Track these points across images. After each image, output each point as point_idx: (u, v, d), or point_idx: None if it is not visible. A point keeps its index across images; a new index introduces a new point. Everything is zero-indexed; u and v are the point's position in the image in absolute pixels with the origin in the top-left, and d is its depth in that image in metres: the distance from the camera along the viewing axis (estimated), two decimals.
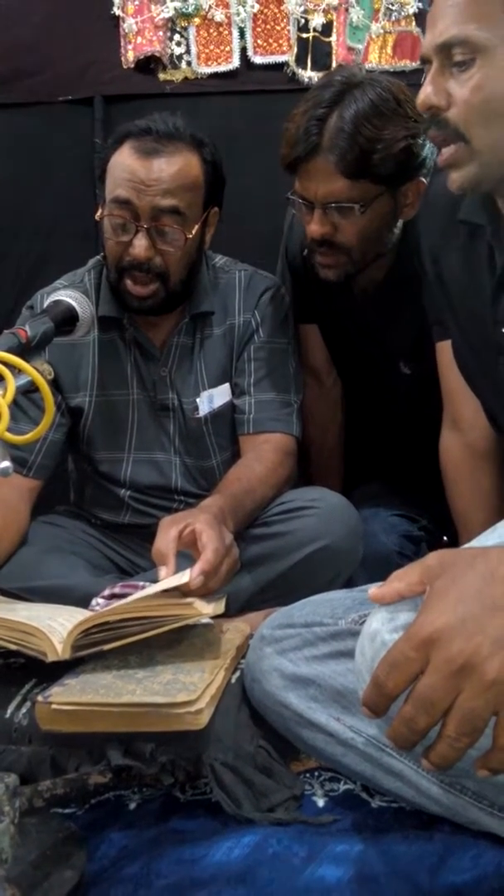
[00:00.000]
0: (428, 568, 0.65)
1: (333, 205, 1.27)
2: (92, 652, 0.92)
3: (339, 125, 1.23)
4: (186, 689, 0.85)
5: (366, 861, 0.76)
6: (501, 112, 0.91)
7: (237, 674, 0.98)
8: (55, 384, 1.36)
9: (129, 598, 0.99)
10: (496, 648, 0.57)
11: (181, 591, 1.01)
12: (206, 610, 0.96)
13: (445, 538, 1.51)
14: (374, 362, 1.51)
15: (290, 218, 1.53)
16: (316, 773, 0.90)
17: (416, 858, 0.76)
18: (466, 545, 0.78)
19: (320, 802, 0.86)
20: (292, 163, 1.28)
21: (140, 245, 1.26)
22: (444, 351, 1.25)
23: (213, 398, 1.41)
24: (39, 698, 0.86)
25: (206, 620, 1.00)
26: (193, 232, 1.30)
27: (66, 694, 0.86)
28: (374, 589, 0.69)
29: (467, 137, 0.93)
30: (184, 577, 1.01)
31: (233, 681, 0.96)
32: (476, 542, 0.77)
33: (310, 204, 1.30)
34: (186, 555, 1.08)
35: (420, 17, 1.81)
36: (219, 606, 1.01)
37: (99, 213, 1.32)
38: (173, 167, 1.26)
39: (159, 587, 1.00)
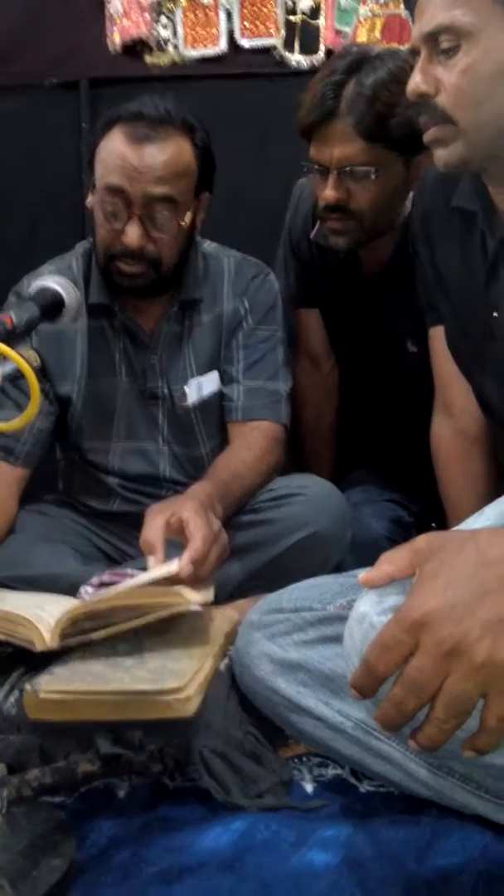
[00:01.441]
0: (417, 550, 0.65)
1: (348, 169, 1.29)
2: (80, 641, 0.92)
3: (357, 90, 1.26)
4: (175, 676, 0.84)
5: (354, 845, 0.76)
6: (487, 94, 0.93)
7: (226, 661, 0.98)
8: (43, 372, 1.35)
9: (118, 587, 0.99)
10: (485, 631, 0.57)
11: (170, 580, 1.01)
12: (195, 598, 0.95)
13: (434, 525, 1.51)
14: (380, 344, 1.51)
15: (295, 202, 1.53)
16: (304, 759, 0.91)
17: (404, 842, 0.77)
18: (455, 528, 0.78)
19: (309, 788, 0.87)
20: (308, 127, 1.30)
21: (133, 233, 1.25)
22: (437, 336, 1.25)
23: (201, 386, 1.40)
24: (27, 687, 0.85)
25: (195, 608, 1.00)
26: (186, 219, 1.29)
27: (54, 682, 0.85)
28: (363, 574, 0.69)
29: (454, 120, 0.95)
30: (172, 566, 1.00)
31: (222, 668, 0.96)
32: (463, 526, 0.77)
33: (325, 169, 1.31)
34: (175, 543, 1.08)
35: (408, 0, 1.80)
36: (207, 595, 1.01)
37: (89, 200, 1.30)
38: (166, 154, 1.24)
39: (148, 577, 1.00)
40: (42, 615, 0.96)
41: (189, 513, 1.08)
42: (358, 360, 1.58)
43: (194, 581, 1.02)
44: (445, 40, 0.92)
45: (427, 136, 0.99)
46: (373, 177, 1.29)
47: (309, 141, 1.32)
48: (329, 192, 1.31)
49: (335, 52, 1.34)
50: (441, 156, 0.98)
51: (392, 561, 0.67)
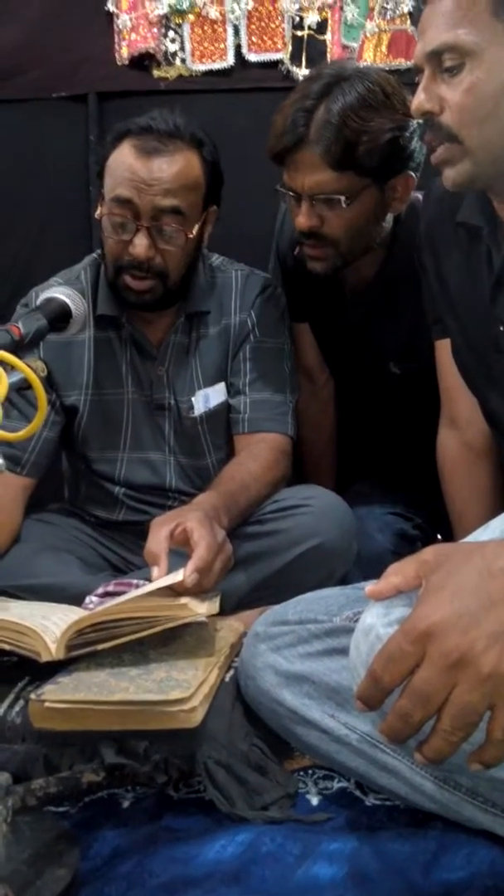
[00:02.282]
0: (424, 562, 0.65)
1: (320, 196, 1.28)
2: (86, 652, 0.92)
3: (325, 117, 1.23)
4: (180, 687, 0.84)
5: (360, 859, 0.76)
6: (492, 112, 0.94)
7: (231, 672, 0.97)
8: (50, 382, 1.36)
9: (123, 598, 0.99)
10: (492, 642, 0.57)
11: (175, 590, 1.01)
12: (200, 610, 0.95)
13: (440, 536, 1.51)
14: (364, 361, 1.51)
15: (281, 217, 1.53)
16: (310, 772, 0.90)
17: (410, 856, 0.76)
18: (458, 542, 0.78)
19: (314, 800, 0.86)
20: (279, 154, 1.28)
21: (141, 244, 1.26)
22: (443, 349, 1.25)
23: (208, 397, 1.40)
24: (32, 696, 0.85)
25: (200, 619, 1.00)
26: (194, 231, 1.30)
27: (59, 692, 0.85)
28: (370, 586, 0.69)
29: (460, 138, 0.95)
30: (177, 577, 1.00)
31: (227, 679, 0.96)
32: (470, 539, 0.77)
33: (297, 195, 1.30)
34: (181, 553, 1.08)
35: (414, 16, 1.81)
36: (213, 606, 1.01)
37: (98, 212, 1.31)
38: (175, 167, 1.25)
39: (153, 587, 1.00)
40: (47, 625, 0.96)
41: (193, 523, 1.08)
42: (348, 375, 1.59)
43: (200, 591, 1.02)
44: (449, 59, 0.93)
45: (434, 158, 0.99)
46: (344, 204, 1.27)
47: (280, 165, 1.31)
48: (301, 219, 1.30)
49: (309, 73, 1.32)
50: (449, 176, 0.99)
51: (399, 573, 0.67)
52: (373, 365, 1.49)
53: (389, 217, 1.37)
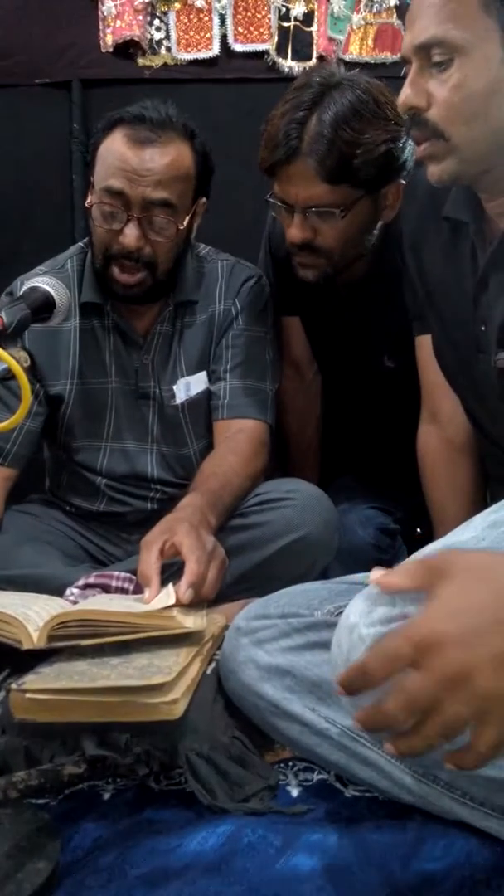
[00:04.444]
0: (434, 568, 0.64)
1: (313, 209, 1.26)
2: (68, 645, 0.91)
3: (318, 129, 1.22)
4: (161, 672, 0.84)
5: (339, 850, 0.77)
6: (480, 110, 0.93)
7: (213, 665, 0.98)
8: (34, 372, 1.35)
9: (112, 604, 0.97)
10: (494, 663, 0.57)
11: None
12: (187, 623, 0.95)
13: (419, 530, 1.52)
14: (357, 356, 1.51)
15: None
16: (290, 764, 0.91)
17: (389, 847, 0.77)
18: (442, 539, 0.78)
19: (294, 792, 0.87)
20: (271, 167, 1.26)
21: (131, 234, 1.25)
22: (424, 345, 1.25)
23: (189, 386, 1.40)
24: (13, 686, 0.85)
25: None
26: (184, 223, 1.29)
27: (40, 681, 0.85)
28: (377, 573, 0.68)
29: (446, 135, 0.95)
30: (171, 598, 1.00)
31: (208, 672, 0.96)
32: (451, 537, 0.77)
33: (290, 207, 1.28)
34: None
35: (401, 10, 1.81)
36: (199, 621, 0.99)
37: (89, 200, 1.30)
38: (166, 158, 1.25)
39: (146, 609, 0.99)
40: (29, 615, 0.96)
41: (181, 537, 1.08)
42: (338, 369, 1.59)
43: (199, 601, 1.04)
44: (438, 53, 0.91)
45: (419, 153, 0.98)
46: (338, 217, 1.26)
47: (271, 177, 1.29)
48: (294, 232, 1.29)
49: (296, 79, 1.30)
50: (434, 172, 0.98)
51: (409, 575, 0.66)
52: (366, 359, 1.49)
53: (380, 223, 1.37)
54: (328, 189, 1.24)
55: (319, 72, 1.28)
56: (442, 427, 1.28)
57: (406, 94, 0.95)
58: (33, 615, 0.96)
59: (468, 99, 0.92)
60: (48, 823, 0.78)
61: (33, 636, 0.91)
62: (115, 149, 1.25)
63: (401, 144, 1.27)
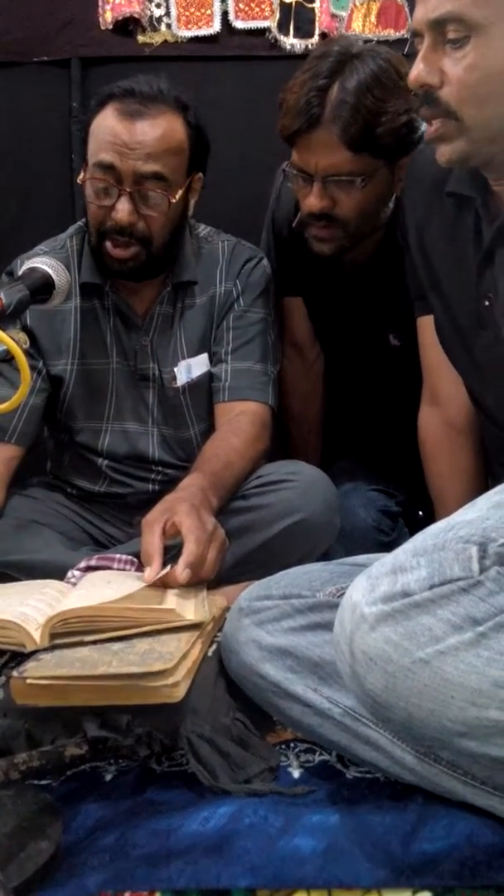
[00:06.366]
0: None
1: (334, 178, 1.26)
2: (71, 642, 0.91)
3: (341, 97, 1.21)
4: (162, 659, 0.84)
5: (340, 831, 0.77)
6: (495, 91, 0.90)
7: (214, 646, 0.98)
8: (37, 349, 1.34)
9: (115, 597, 0.96)
10: None
11: (170, 584, 1.01)
12: (188, 615, 0.94)
13: (421, 513, 1.52)
14: (362, 335, 1.50)
15: (278, 189, 1.51)
16: (292, 745, 0.91)
17: (390, 828, 0.77)
18: (445, 520, 0.78)
19: (296, 773, 0.87)
20: (292, 135, 1.25)
21: (123, 209, 1.24)
22: (426, 326, 1.24)
23: (190, 368, 1.39)
24: (14, 673, 0.85)
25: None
26: (177, 197, 1.27)
27: (41, 668, 0.85)
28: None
29: (459, 116, 0.92)
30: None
31: (210, 653, 0.96)
32: (455, 517, 0.77)
33: (308, 177, 1.28)
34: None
35: None
36: (201, 611, 0.98)
37: (81, 177, 1.29)
38: (157, 130, 1.23)
39: (145, 606, 0.98)
40: (27, 612, 0.95)
41: (181, 517, 1.08)
42: (342, 350, 1.58)
43: (199, 581, 1.04)
44: (453, 30, 0.88)
45: (429, 133, 0.96)
46: (359, 186, 1.26)
47: (291, 146, 1.28)
48: (313, 201, 1.28)
49: (314, 50, 1.28)
50: (444, 152, 0.96)
51: None
52: (371, 338, 1.48)
53: (394, 196, 1.36)
54: (350, 157, 1.24)
55: (338, 41, 1.28)
56: (443, 408, 1.27)
57: (418, 70, 0.92)
58: (31, 611, 0.95)
59: (484, 80, 0.89)
60: (50, 804, 0.79)
61: (35, 636, 0.90)
62: (106, 124, 1.24)
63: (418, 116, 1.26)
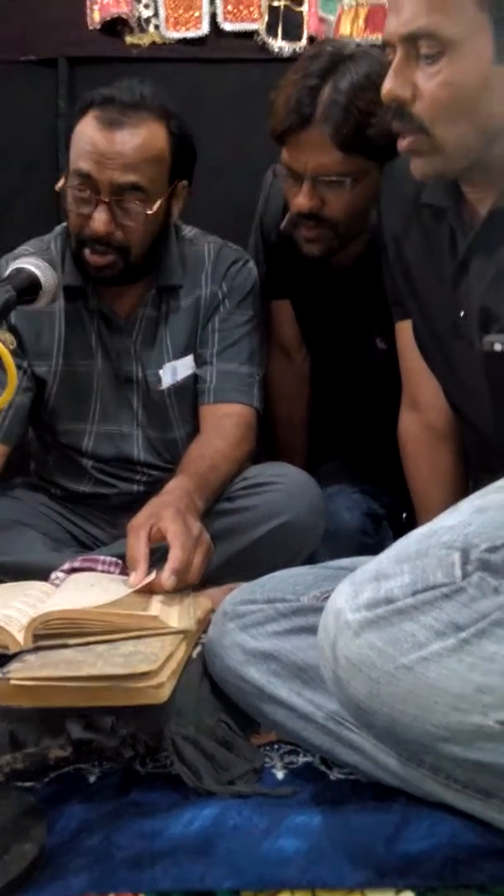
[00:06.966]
0: None
1: (324, 178, 1.26)
2: (55, 644, 0.91)
3: (333, 97, 1.22)
4: (147, 660, 0.84)
5: (324, 832, 0.78)
6: (467, 108, 0.89)
7: (199, 649, 0.98)
8: (21, 349, 1.34)
9: (99, 601, 0.96)
10: None
11: (155, 590, 1.01)
12: (172, 622, 0.95)
13: (405, 515, 1.53)
14: (349, 338, 1.50)
15: (266, 192, 1.51)
16: (276, 746, 0.91)
17: (374, 829, 0.78)
18: (428, 524, 0.79)
19: (280, 775, 0.87)
20: (283, 133, 1.26)
21: (100, 219, 1.24)
22: (404, 330, 1.25)
23: (176, 370, 1.39)
24: None
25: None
26: (156, 207, 1.27)
27: (25, 670, 0.85)
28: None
29: (431, 132, 0.91)
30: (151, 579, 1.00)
31: (194, 655, 0.96)
32: (438, 521, 0.77)
33: (298, 176, 1.28)
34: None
35: None
36: (185, 620, 0.97)
37: (60, 184, 1.28)
38: (136, 140, 1.23)
39: (129, 590, 0.99)
40: (11, 614, 0.94)
41: (167, 522, 1.08)
42: (328, 352, 1.58)
43: (184, 587, 1.04)
44: (426, 46, 0.87)
45: (402, 146, 0.95)
46: (348, 186, 1.27)
47: (281, 145, 1.28)
48: (302, 200, 1.28)
49: (306, 51, 1.29)
50: (418, 166, 0.96)
51: None
52: (358, 341, 1.48)
53: None
54: (340, 157, 1.24)
55: (331, 42, 1.28)
56: (423, 412, 1.28)
57: (391, 85, 0.90)
58: (14, 613, 0.95)
59: (456, 96, 0.88)
60: (34, 806, 0.79)
61: (18, 638, 0.90)
62: (85, 132, 1.23)
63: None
